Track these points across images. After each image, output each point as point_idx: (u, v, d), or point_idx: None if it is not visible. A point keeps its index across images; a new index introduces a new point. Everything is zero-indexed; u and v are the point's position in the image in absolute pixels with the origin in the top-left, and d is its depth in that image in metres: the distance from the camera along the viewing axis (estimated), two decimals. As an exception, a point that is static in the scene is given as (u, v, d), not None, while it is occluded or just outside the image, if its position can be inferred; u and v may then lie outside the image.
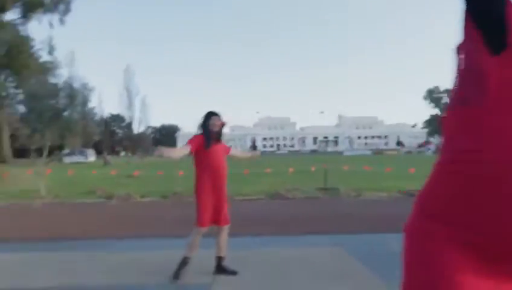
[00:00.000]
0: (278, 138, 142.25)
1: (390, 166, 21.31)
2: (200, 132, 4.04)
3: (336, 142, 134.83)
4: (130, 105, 78.72)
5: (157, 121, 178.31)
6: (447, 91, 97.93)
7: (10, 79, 35.59)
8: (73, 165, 33.67)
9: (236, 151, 4.53)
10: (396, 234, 5.41)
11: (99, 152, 59.13)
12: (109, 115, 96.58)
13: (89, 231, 6.82)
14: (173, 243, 5.50)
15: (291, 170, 16.68)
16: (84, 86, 10.81)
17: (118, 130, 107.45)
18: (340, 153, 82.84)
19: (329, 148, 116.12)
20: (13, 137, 45.07)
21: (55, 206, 10.58)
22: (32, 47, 32.14)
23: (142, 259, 4.67)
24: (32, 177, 18.91)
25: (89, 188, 13.65)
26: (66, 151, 41.22)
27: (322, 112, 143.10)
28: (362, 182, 14.78)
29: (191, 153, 3.93)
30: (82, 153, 45.07)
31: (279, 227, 6.81)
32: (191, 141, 3.96)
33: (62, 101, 10.49)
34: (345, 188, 12.42)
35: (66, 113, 10.57)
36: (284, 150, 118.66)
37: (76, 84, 10.78)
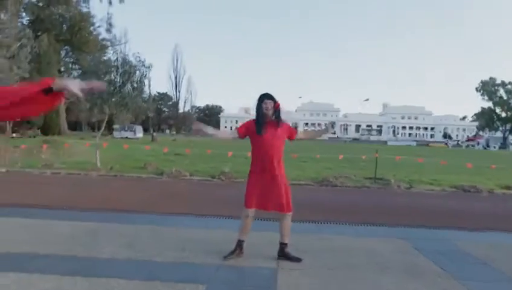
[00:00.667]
0: (319, 124, 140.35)
1: (440, 159, 20.43)
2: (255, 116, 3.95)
3: (379, 131, 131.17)
4: (177, 85, 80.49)
5: (201, 101, 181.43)
6: (503, 84, 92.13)
7: (70, 54, 37.39)
8: (123, 140, 35.02)
9: (305, 132, 4.33)
10: (459, 231, 5.16)
11: (145, 129, 61.22)
12: (156, 94, 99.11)
13: (146, 205, 7.02)
14: (227, 223, 5.55)
15: (341, 157, 16.36)
16: (142, 62, 11.06)
17: (164, 109, 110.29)
18: (384, 142, 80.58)
19: (372, 137, 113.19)
20: (67, 110, 47.51)
21: (110, 178, 11.01)
22: (92, 24, 33.46)
23: (202, 237, 4.72)
24: (88, 150, 19.85)
25: (140, 163, 14.11)
26: (116, 126, 42.96)
27: (366, 100, 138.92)
28: (412, 174, 14.28)
29: (240, 137, 3.92)
30: (131, 129, 46.84)
31: (334, 215, 6.68)
32: (241, 126, 3.97)
33: (120, 77, 10.75)
34: (395, 179, 12.05)
35: (123, 90, 10.86)
36: (324, 137, 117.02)
37: (133, 61, 11.13)
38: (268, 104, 3.81)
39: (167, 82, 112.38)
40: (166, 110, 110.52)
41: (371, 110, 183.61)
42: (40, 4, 30.77)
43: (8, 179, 9.90)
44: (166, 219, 5.79)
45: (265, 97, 3.85)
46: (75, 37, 32.88)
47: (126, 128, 44.85)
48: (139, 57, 12.20)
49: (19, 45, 21.11)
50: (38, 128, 37.47)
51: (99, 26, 37.00)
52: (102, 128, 13.12)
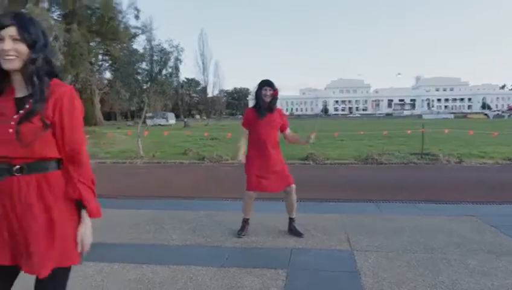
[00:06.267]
0: (350, 101, 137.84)
1: (487, 131, 19.56)
2: (254, 101, 4.14)
3: (412, 105, 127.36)
4: (204, 69, 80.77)
5: (229, 85, 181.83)
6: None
7: (100, 45, 37.87)
8: (156, 127, 35.57)
9: (290, 134, 4.23)
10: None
11: (176, 116, 61.89)
12: (185, 79, 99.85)
13: (197, 190, 7.04)
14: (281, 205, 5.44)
15: (385, 133, 15.91)
16: (175, 47, 10.91)
17: (193, 94, 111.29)
18: (419, 116, 78.14)
19: (406, 112, 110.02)
20: (101, 101, 48.65)
21: (155, 166, 11.16)
22: (120, 12, 33.47)
23: (261, 221, 4.59)
24: (127, 138, 20.26)
25: (179, 150, 14.26)
26: (149, 114, 43.70)
27: (399, 74, 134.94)
28: (459, 147, 13.72)
29: (246, 130, 4.09)
30: (163, 116, 47.47)
31: (389, 193, 6.47)
32: (243, 121, 4.11)
33: (156, 65, 10.73)
34: (443, 153, 11.59)
35: (159, 77, 10.88)
36: (356, 114, 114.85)
37: (167, 47, 11.10)
38: (268, 90, 3.97)
39: (194, 67, 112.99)
40: (195, 95, 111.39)
41: (403, 84, 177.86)
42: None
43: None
44: (221, 204, 5.76)
45: (265, 84, 4.00)
46: (106, 27, 33.08)
47: (158, 116, 45.45)
48: (172, 43, 12.19)
49: (53, 37, 21.55)
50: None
51: (127, 13, 36.98)
52: (143, 117, 13.27)
